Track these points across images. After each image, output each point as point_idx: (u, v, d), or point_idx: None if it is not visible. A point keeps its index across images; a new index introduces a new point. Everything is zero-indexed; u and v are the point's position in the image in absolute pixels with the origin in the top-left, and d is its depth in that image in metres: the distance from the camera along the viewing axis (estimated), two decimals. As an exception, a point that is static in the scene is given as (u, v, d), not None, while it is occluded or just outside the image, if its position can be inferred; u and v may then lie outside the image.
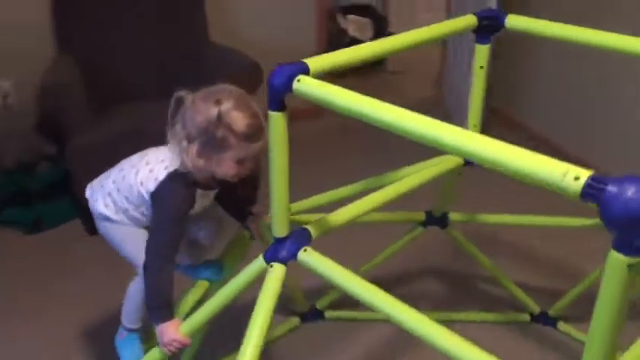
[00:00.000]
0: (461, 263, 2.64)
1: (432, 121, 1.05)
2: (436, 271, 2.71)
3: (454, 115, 4.14)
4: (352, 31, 4.65)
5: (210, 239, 1.91)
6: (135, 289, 1.73)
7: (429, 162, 1.90)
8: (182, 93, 1.53)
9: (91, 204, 1.75)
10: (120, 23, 3.26)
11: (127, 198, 1.66)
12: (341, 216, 1.59)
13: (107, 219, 1.73)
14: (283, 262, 1.44)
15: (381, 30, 4.73)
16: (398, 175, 1.81)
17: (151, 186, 1.59)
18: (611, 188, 0.86)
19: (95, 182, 1.77)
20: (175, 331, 1.56)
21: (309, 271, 1.44)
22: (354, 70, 5.25)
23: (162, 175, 1.58)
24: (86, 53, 3.16)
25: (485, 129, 3.77)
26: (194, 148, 1.52)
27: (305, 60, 1.32)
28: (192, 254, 1.93)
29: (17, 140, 3.17)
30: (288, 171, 1.39)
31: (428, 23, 1.60)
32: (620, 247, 0.89)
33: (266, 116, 1.39)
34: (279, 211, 1.43)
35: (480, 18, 1.66)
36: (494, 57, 3.88)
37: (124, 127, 2.82)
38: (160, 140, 1.63)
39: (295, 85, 1.25)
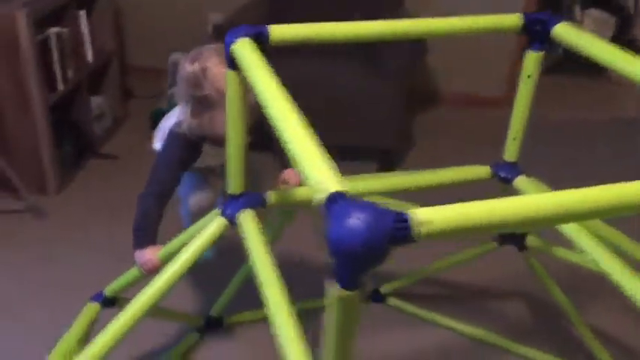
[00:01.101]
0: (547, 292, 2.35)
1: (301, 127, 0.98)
2: (519, 294, 2.48)
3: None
4: (588, 27, 4.16)
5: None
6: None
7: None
8: (176, 56, 1.63)
9: (154, 143, 1.96)
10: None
11: None
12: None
13: None
14: (227, 217, 1.48)
15: (623, 32, 4.15)
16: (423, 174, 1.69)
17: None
18: (336, 208, 0.76)
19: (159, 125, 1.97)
20: (152, 253, 1.68)
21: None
22: (569, 70, 4.66)
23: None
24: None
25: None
26: (189, 108, 1.63)
27: (271, 26, 1.32)
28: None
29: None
30: (243, 129, 1.39)
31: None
32: (334, 275, 0.79)
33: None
34: (234, 168, 1.45)
35: (528, 21, 1.44)
36: None
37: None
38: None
39: (232, 47, 1.26)
